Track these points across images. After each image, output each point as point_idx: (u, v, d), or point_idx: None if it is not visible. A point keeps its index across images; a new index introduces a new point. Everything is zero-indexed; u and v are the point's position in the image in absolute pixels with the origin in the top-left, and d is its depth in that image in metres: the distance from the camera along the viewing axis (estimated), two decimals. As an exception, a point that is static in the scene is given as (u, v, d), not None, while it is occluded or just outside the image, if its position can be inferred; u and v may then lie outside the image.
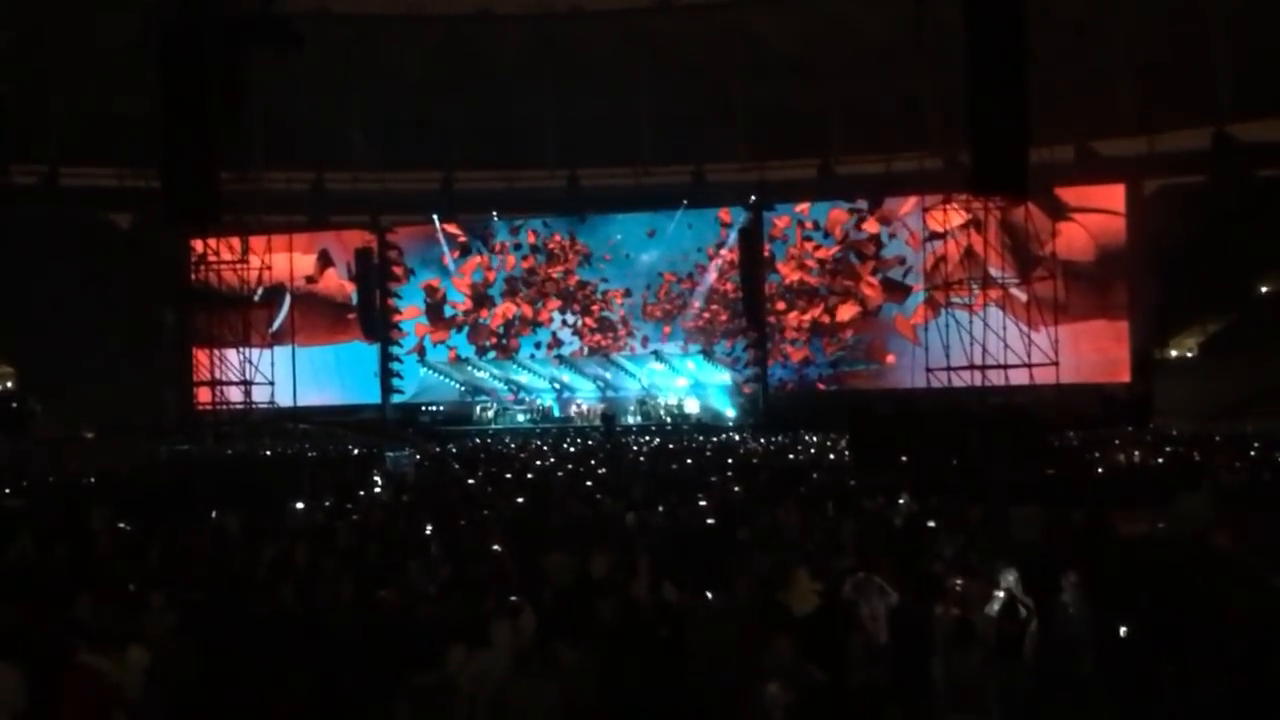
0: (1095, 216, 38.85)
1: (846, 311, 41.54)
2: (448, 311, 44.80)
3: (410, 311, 44.99)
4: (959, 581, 8.65)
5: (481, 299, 44.53)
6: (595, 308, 43.51)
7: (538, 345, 43.98)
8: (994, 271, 35.70)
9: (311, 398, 42.96)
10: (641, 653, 7.01)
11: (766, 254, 41.92)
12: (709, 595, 8.32)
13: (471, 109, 43.88)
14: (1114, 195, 39.17)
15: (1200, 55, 38.63)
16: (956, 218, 35.03)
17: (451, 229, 44.71)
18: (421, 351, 44.83)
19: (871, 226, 41.56)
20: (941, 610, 8.10)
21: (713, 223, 42.88)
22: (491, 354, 44.40)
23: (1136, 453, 23.00)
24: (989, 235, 34.96)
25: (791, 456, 25.46)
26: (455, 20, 42.03)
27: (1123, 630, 7.20)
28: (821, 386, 41.57)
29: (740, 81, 43.02)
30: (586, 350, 43.69)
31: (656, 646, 7.12)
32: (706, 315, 42.95)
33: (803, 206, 42.43)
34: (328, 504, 15.03)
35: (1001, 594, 8.26)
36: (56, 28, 38.35)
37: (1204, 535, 9.97)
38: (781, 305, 42.15)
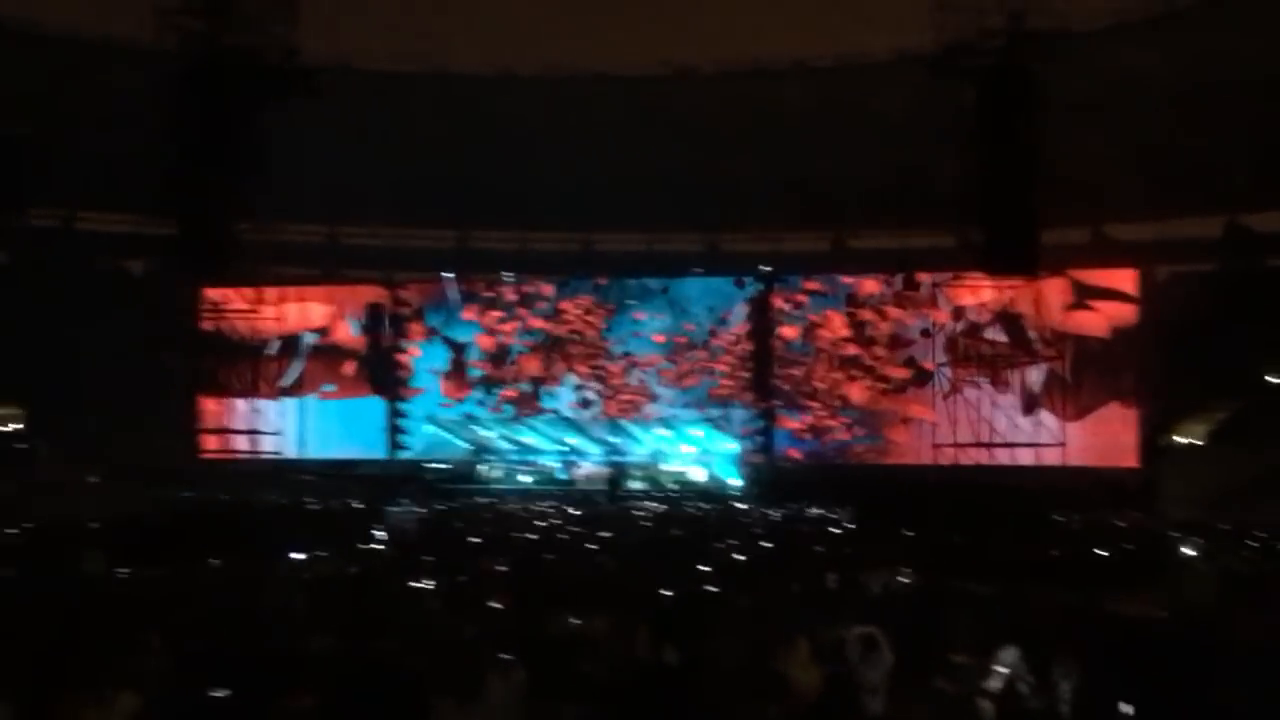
0: (1108, 300, 38.90)
1: (860, 386, 41.41)
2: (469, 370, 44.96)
3: (428, 369, 45.03)
4: (960, 658, 8.60)
5: (501, 358, 44.59)
6: (618, 369, 43.57)
7: (555, 412, 43.98)
8: (1004, 349, 35.89)
9: (318, 450, 42.96)
10: (641, 714, 6.97)
11: (784, 322, 42.09)
12: (708, 660, 8.27)
13: (487, 169, 44.06)
14: (1126, 279, 39.24)
15: (1214, 144, 38.78)
16: (970, 296, 35.24)
17: (470, 286, 44.88)
18: (433, 410, 44.79)
19: (895, 302, 41.48)
20: (941, 686, 8.04)
21: (727, 291, 43.07)
22: (510, 411, 44.34)
23: (1139, 536, 22.86)
24: (1001, 315, 35.22)
25: (795, 527, 25.34)
26: (475, 80, 42.30)
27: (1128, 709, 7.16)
28: (829, 460, 41.43)
29: (755, 152, 43.18)
30: (602, 414, 43.65)
31: (656, 708, 7.07)
32: (727, 385, 42.95)
33: (829, 275, 42.73)
34: (326, 554, 14.99)
35: (1003, 671, 8.20)
36: (75, 73, 38.63)
37: (1206, 619, 9.93)
38: (794, 373, 42.15)
